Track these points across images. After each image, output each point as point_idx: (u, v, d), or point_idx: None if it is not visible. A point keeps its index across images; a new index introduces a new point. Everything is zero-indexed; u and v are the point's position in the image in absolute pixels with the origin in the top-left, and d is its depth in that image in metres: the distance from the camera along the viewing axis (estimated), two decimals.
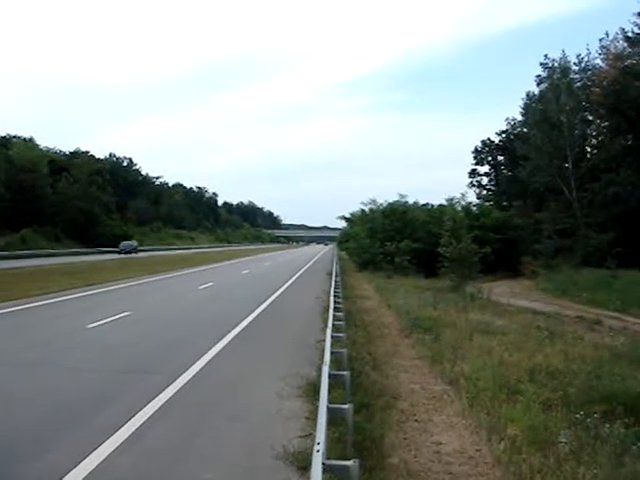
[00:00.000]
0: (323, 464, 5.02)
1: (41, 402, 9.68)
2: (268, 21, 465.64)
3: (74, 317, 20.07)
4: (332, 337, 11.57)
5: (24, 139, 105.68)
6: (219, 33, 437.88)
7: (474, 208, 63.87)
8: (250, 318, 20.19)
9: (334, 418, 7.13)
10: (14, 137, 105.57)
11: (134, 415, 8.81)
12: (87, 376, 11.62)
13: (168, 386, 10.59)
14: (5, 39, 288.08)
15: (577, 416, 8.96)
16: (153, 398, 9.75)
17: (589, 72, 57.10)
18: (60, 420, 8.73)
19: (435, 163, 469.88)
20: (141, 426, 8.41)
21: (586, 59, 57.15)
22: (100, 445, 7.54)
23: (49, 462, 7.03)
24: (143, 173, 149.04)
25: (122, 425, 8.33)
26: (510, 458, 7.42)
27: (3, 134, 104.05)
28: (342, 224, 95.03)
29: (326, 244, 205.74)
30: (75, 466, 6.84)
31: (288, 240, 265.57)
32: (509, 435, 8.22)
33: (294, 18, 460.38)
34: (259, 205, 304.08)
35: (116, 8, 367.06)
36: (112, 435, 7.92)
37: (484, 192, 78.51)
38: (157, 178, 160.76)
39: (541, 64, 59.18)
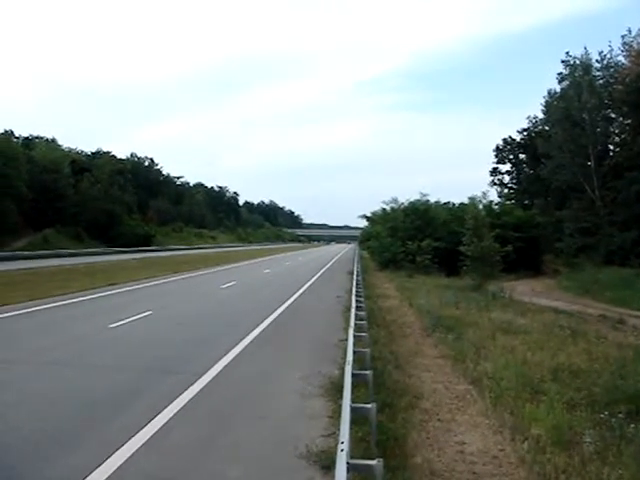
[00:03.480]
0: (347, 463, 5.03)
1: (65, 401, 9.75)
2: (288, 21, 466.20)
3: (96, 317, 20.15)
4: (354, 336, 11.59)
5: (46, 140, 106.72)
6: (240, 33, 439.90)
7: (496, 207, 63.45)
8: (272, 317, 20.24)
9: (357, 417, 7.14)
10: (36, 138, 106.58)
11: (158, 414, 8.87)
12: (110, 375, 11.67)
13: (191, 385, 10.63)
14: (28, 42, 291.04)
15: (601, 416, 8.93)
16: (177, 397, 9.81)
17: (611, 69, 56.50)
18: (86, 418, 8.79)
19: (456, 162, 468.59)
20: (165, 424, 8.47)
21: (608, 56, 56.52)
22: (126, 442, 7.62)
23: (77, 460, 7.10)
24: (164, 173, 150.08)
25: (147, 423, 8.39)
26: (534, 458, 7.39)
27: (26, 135, 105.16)
28: (363, 223, 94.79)
29: (348, 243, 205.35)
30: (101, 463, 6.91)
31: (309, 239, 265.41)
32: (533, 435, 8.19)
33: (314, 17, 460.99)
34: (280, 204, 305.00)
35: (137, 9, 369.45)
36: (137, 433, 7.99)
37: (506, 190, 77.96)
38: (178, 178, 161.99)
39: (562, 61, 58.63)
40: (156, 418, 8.69)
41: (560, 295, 39.45)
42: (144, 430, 8.15)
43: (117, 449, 7.36)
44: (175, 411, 9.09)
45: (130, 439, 7.76)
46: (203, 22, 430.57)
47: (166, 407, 9.20)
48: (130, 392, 10.31)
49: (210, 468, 7.07)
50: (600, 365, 12.82)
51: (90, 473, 6.67)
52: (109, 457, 7.09)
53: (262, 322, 18.81)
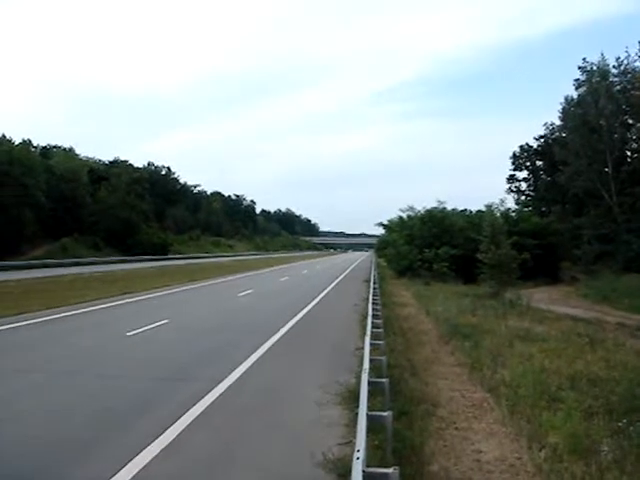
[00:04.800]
0: (363, 472, 5.03)
1: (83, 409, 9.78)
2: (306, 29, 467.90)
3: (113, 325, 20.28)
4: (371, 344, 11.59)
5: (64, 149, 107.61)
6: (257, 41, 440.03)
7: (513, 214, 63.23)
8: (289, 325, 20.27)
9: (374, 425, 7.14)
10: (54, 147, 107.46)
11: (175, 421, 8.91)
12: (127, 384, 11.74)
13: (208, 393, 10.67)
14: (47, 52, 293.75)
15: (619, 424, 8.86)
16: (194, 405, 9.85)
17: (629, 75, 56.09)
18: (104, 427, 8.82)
19: (473, 169, 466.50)
20: (182, 432, 8.51)
21: (625, 62, 56.08)
22: (143, 450, 7.66)
23: (96, 467, 7.16)
24: (181, 182, 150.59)
25: (163, 432, 8.43)
26: (551, 466, 7.37)
27: (44, 144, 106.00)
28: (380, 231, 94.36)
29: (366, 250, 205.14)
30: (118, 472, 6.95)
31: (326, 247, 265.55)
32: (550, 443, 8.16)
33: (331, 26, 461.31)
34: (297, 212, 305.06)
35: (154, 19, 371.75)
36: (154, 441, 8.03)
37: (523, 198, 77.55)
38: (195, 186, 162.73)
39: (579, 68, 58.25)
40: (172, 426, 8.72)
41: (578, 302, 39.21)
42: (160, 439, 8.18)
43: (131, 459, 7.37)
44: (191, 419, 9.12)
45: (146, 448, 7.79)
46: (220, 31, 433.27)
47: (183, 415, 9.24)
48: (147, 400, 10.36)
49: (227, 476, 7.10)
50: (618, 373, 12.74)
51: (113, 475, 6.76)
52: (122, 468, 7.09)
53: (279, 330, 18.83)
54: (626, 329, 24.49)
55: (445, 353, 16.08)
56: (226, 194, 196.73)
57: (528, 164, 77.53)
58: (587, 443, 8.18)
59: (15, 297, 28.17)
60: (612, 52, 61.29)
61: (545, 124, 73.71)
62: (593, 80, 56.99)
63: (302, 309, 25.14)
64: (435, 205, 64.60)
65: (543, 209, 71.08)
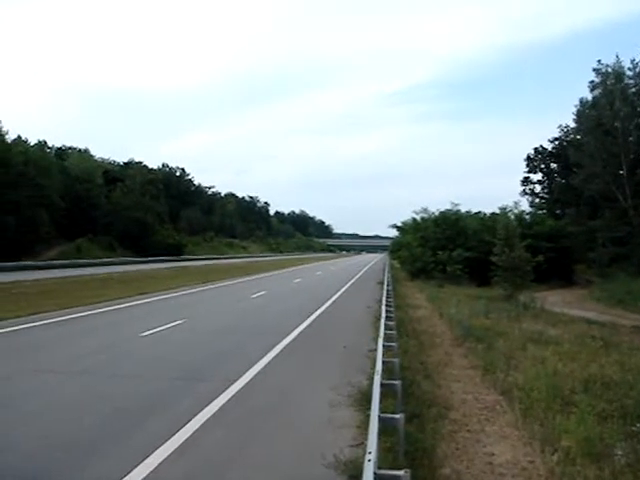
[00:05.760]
0: (374, 474, 5.02)
1: (95, 409, 9.82)
2: (321, 30, 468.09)
3: (128, 325, 20.37)
4: (384, 346, 11.59)
5: (79, 150, 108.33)
6: (270, 45, 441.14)
7: (527, 216, 63.11)
8: (302, 327, 20.27)
9: (385, 427, 7.13)
10: (69, 148, 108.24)
11: (188, 421, 8.93)
12: (142, 383, 11.78)
13: (221, 393, 10.69)
14: (61, 54, 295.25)
15: (633, 428, 8.82)
16: (207, 405, 9.87)
17: None
18: (118, 426, 8.86)
19: (487, 172, 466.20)
20: (195, 432, 8.53)
21: None
22: (157, 449, 7.70)
23: (110, 465, 7.20)
24: (196, 183, 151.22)
25: (177, 431, 8.46)
26: (564, 470, 7.32)
27: (59, 145, 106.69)
28: (393, 233, 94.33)
29: (380, 252, 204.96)
30: (131, 470, 6.98)
31: (339, 249, 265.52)
32: (563, 447, 8.11)
33: (344, 28, 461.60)
34: (310, 214, 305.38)
35: (169, 20, 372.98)
36: (168, 440, 8.07)
37: (537, 200, 77.44)
38: (209, 188, 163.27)
39: (594, 70, 58.07)
40: (187, 425, 8.76)
41: (592, 306, 39.08)
42: (175, 437, 8.22)
43: (145, 458, 7.40)
44: (204, 420, 9.14)
45: (160, 446, 7.82)
46: (234, 32, 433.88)
47: (195, 416, 9.25)
48: (160, 401, 10.39)
49: (238, 475, 7.12)
50: (633, 377, 12.66)
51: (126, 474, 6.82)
52: (134, 468, 7.11)
53: (292, 332, 18.83)
54: None
55: (458, 355, 16.03)
56: (240, 195, 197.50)
57: (543, 166, 77.43)
58: (600, 447, 8.13)
59: (30, 297, 28.31)
60: (627, 54, 60.98)
61: (560, 126, 73.74)
62: (608, 82, 56.82)
63: (315, 311, 25.14)
64: (449, 207, 64.70)
65: (557, 212, 70.96)
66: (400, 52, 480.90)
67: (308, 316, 23.03)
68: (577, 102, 62.89)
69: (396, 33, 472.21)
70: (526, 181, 78.30)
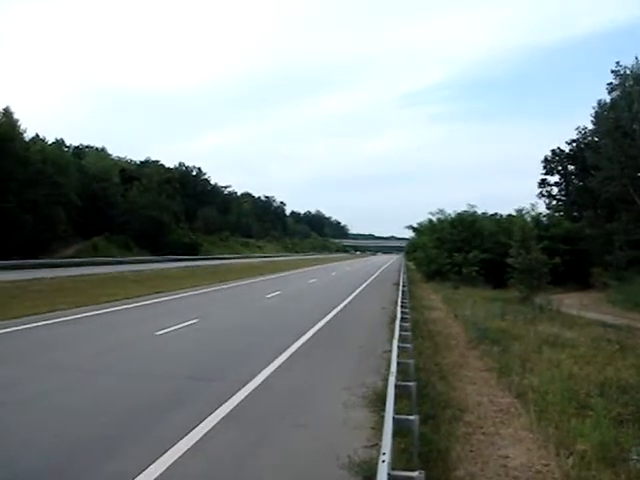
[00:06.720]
0: (388, 475, 5.03)
1: (111, 407, 9.88)
2: (337, 32, 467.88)
3: (143, 324, 20.43)
4: (398, 347, 11.59)
5: (96, 149, 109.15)
6: (287, 44, 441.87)
7: (544, 218, 62.81)
8: (317, 327, 20.29)
9: (400, 429, 7.13)
10: (87, 147, 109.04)
11: (202, 421, 8.95)
12: (156, 383, 11.81)
13: (235, 393, 10.71)
14: (80, 54, 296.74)
15: None
16: (221, 405, 9.88)
17: None
18: (135, 423, 8.92)
19: (504, 173, 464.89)
20: (209, 431, 8.55)
21: None
22: (171, 447, 7.73)
23: (128, 461, 7.24)
24: (212, 182, 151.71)
25: (191, 430, 8.48)
26: (579, 474, 7.29)
27: (76, 144, 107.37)
28: (409, 234, 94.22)
29: (396, 253, 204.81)
30: (147, 467, 7.04)
31: (355, 250, 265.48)
32: (578, 450, 8.07)
33: (360, 29, 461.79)
34: (326, 215, 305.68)
35: (186, 20, 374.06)
36: (182, 439, 8.09)
37: (554, 202, 77.02)
38: (226, 187, 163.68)
39: (613, 71, 57.64)
40: (200, 425, 8.77)
41: (609, 309, 38.83)
42: (187, 437, 8.22)
43: (161, 455, 7.44)
44: (218, 419, 9.15)
45: (174, 445, 7.85)
46: (251, 32, 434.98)
47: (209, 415, 9.28)
48: (175, 399, 10.40)
49: (252, 476, 7.14)
50: None
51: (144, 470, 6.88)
52: (149, 466, 7.14)
53: (306, 332, 18.84)
54: None
55: (473, 357, 15.99)
56: (256, 195, 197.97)
57: (560, 168, 76.93)
58: (616, 451, 8.10)
59: (47, 295, 28.43)
60: None
61: (577, 128, 73.13)
62: (626, 84, 56.35)
63: (330, 311, 25.15)
64: (465, 209, 64.44)
65: (574, 214, 70.53)
66: (417, 54, 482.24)
67: (323, 317, 23.03)
68: (595, 104, 62.62)
69: (412, 34, 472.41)
70: (543, 183, 77.88)
